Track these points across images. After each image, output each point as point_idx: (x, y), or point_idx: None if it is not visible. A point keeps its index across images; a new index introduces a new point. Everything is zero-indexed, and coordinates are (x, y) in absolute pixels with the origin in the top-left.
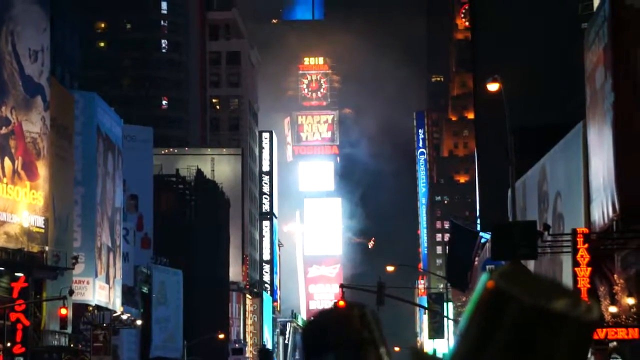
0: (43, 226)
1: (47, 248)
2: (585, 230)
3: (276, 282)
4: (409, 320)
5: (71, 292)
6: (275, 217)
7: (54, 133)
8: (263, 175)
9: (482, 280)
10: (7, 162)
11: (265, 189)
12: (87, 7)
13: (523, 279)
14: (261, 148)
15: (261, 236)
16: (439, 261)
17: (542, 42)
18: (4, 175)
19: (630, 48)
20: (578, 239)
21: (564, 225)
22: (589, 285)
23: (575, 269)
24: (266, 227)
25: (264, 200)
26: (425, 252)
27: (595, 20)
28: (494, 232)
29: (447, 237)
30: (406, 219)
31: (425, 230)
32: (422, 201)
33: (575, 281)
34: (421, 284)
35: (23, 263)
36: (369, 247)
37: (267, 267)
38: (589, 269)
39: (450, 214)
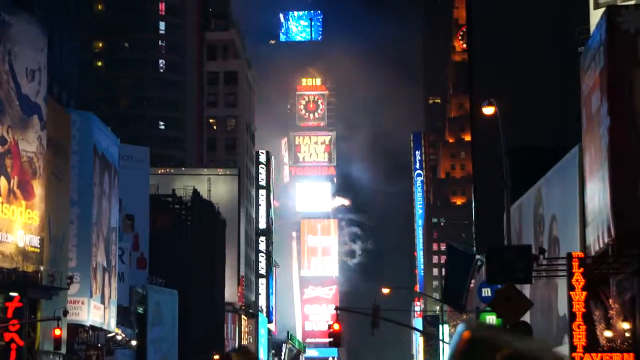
0: (38, 246)
1: (42, 268)
2: (581, 255)
3: (272, 303)
4: (405, 342)
5: (65, 313)
6: (272, 238)
7: (51, 152)
8: (259, 188)
9: (459, 331)
10: (2, 181)
11: (262, 209)
12: (85, 26)
13: (496, 330)
14: (258, 168)
15: (257, 256)
16: (435, 283)
17: (539, 65)
18: (0, 195)
19: (626, 72)
20: (573, 263)
21: (560, 249)
22: (584, 310)
23: (571, 293)
24: (262, 247)
25: (261, 221)
26: (422, 273)
27: (591, 44)
28: (488, 255)
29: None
30: (403, 241)
31: (421, 252)
32: (419, 223)
33: (570, 305)
34: (417, 306)
35: (18, 283)
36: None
37: (262, 281)
38: (584, 293)
39: (446, 236)
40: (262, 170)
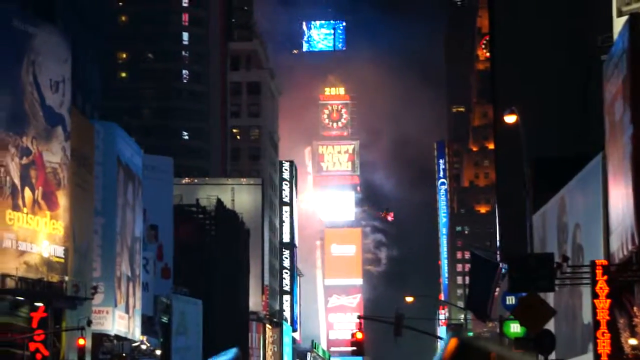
0: (63, 256)
1: (66, 278)
2: (605, 262)
3: (296, 311)
4: (429, 351)
5: (89, 323)
6: (296, 247)
7: (75, 163)
8: (283, 204)
9: (446, 339)
10: (27, 192)
11: (285, 218)
12: (109, 37)
13: (481, 339)
14: (281, 178)
15: (281, 266)
16: (459, 291)
17: (562, 74)
18: (25, 205)
19: None
20: (597, 271)
21: (584, 257)
22: (608, 317)
23: (595, 300)
24: (286, 257)
25: (284, 230)
26: (446, 282)
27: (614, 52)
28: (511, 264)
29: (467, 267)
30: (427, 249)
31: (446, 261)
32: (443, 231)
33: (594, 313)
34: (442, 314)
35: (42, 293)
36: (389, 219)
37: (287, 297)
38: (609, 300)
39: (470, 244)
40: (286, 187)
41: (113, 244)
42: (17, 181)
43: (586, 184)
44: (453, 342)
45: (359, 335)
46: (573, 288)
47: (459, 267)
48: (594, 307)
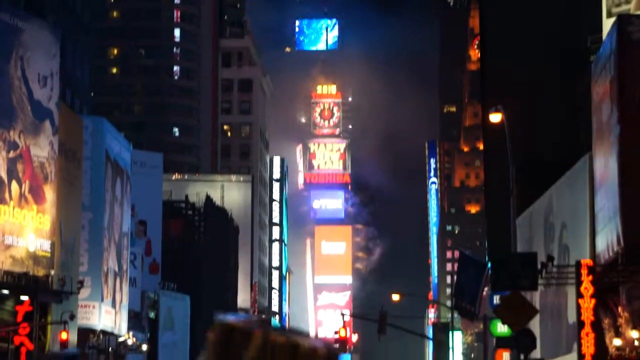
0: (49, 250)
1: (52, 272)
2: (590, 262)
3: (285, 309)
4: (418, 347)
5: (72, 317)
6: (285, 244)
7: (62, 157)
8: (273, 202)
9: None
10: (14, 185)
11: (275, 215)
12: (100, 33)
13: (249, 321)
14: (272, 175)
15: (270, 263)
16: (449, 290)
17: (551, 74)
18: (11, 199)
19: (636, 81)
20: (582, 271)
21: (570, 257)
22: (592, 318)
23: (579, 300)
24: (275, 253)
25: (274, 227)
26: (436, 281)
27: (602, 53)
28: (494, 263)
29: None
30: (417, 248)
31: (435, 260)
32: (433, 230)
33: (579, 313)
34: (432, 313)
35: (28, 287)
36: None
37: (275, 294)
38: (593, 300)
39: (460, 243)
40: (276, 184)
41: (100, 239)
42: (3, 175)
43: (573, 184)
44: (216, 326)
45: (343, 333)
46: (559, 288)
47: (449, 266)
48: (579, 307)
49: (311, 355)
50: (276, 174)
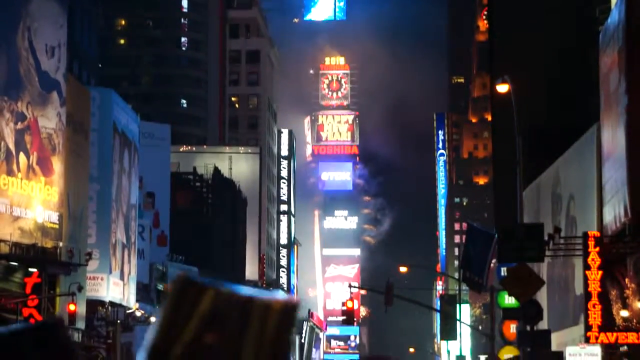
0: (57, 222)
1: (61, 244)
2: (597, 234)
3: (293, 281)
4: (428, 321)
5: (80, 288)
6: (294, 216)
7: (70, 129)
8: (281, 173)
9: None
10: (22, 157)
11: (284, 187)
12: (108, 4)
13: (208, 278)
14: (280, 146)
15: (279, 235)
16: (457, 262)
17: (558, 45)
18: (19, 171)
19: None
20: (589, 242)
21: (577, 228)
22: (599, 289)
23: (586, 272)
24: (284, 226)
25: (282, 199)
26: (444, 253)
27: (610, 23)
28: (500, 234)
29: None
30: (426, 220)
31: (443, 232)
32: (441, 202)
33: (586, 284)
34: (440, 285)
35: (37, 258)
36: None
37: (284, 266)
38: (600, 272)
39: (469, 215)
40: (285, 156)
41: (108, 211)
42: (11, 146)
43: (581, 155)
44: (175, 279)
45: (350, 304)
46: (566, 259)
47: (457, 238)
48: (586, 279)
49: (265, 309)
50: (284, 146)
